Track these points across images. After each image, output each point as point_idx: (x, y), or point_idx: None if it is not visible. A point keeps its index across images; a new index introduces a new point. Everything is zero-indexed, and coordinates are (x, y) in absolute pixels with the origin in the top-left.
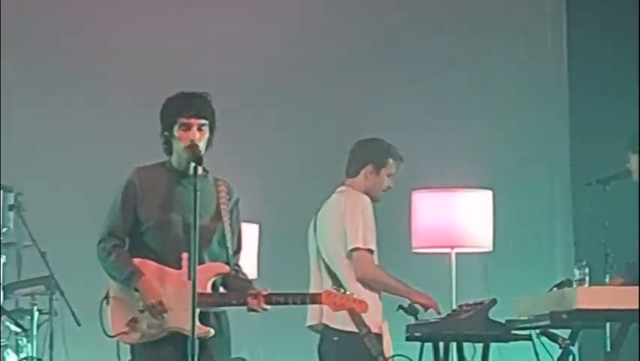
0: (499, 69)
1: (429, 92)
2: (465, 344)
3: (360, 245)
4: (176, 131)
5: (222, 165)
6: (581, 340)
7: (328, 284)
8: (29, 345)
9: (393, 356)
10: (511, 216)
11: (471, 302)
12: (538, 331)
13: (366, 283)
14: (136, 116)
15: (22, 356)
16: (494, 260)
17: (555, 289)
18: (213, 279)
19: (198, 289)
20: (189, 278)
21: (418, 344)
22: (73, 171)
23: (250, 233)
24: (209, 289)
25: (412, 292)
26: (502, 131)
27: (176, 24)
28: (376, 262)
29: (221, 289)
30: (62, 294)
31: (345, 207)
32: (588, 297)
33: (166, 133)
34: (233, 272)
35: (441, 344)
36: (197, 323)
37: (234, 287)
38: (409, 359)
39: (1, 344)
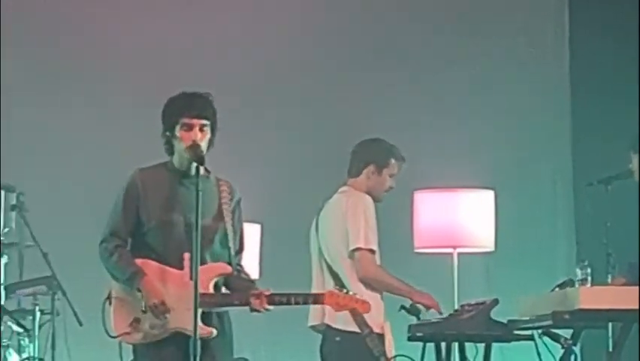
0: (501, 69)
1: (430, 92)
2: (467, 344)
3: (362, 245)
4: (177, 132)
5: (224, 166)
6: (583, 340)
7: (330, 284)
8: (31, 345)
9: (395, 356)
10: (513, 216)
11: (473, 302)
12: (540, 331)
13: (368, 284)
14: (137, 116)
15: (24, 356)
16: (496, 260)
17: (557, 289)
18: (215, 279)
19: (200, 290)
20: (191, 278)
21: (420, 344)
22: (75, 171)
23: (252, 233)
24: (211, 290)
25: (413, 292)
26: (503, 131)
27: (176, 24)
28: (378, 262)
29: (224, 290)
30: (64, 294)
31: (347, 207)
32: (590, 297)
33: (167, 133)
34: (235, 272)
35: (443, 344)
36: (200, 323)
37: (237, 287)
38: (411, 359)
39: (3, 344)
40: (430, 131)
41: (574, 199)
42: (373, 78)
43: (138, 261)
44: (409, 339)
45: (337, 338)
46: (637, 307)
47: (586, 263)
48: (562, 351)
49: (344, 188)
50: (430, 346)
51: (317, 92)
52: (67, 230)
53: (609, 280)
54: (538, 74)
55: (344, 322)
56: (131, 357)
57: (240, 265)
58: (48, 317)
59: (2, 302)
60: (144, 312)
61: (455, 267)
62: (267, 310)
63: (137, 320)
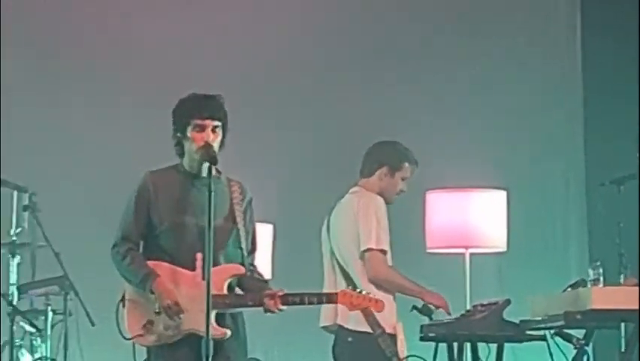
0: (515, 69)
1: (440, 92)
2: (479, 345)
3: (373, 246)
4: (189, 133)
5: (235, 166)
6: (596, 340)
7: (342, 285)
8: (43, 345)
9: (408, 356)
10: (525, 217)
11: (485, 302)
12: (552, 331)
13: (379, 284)
14: (146, 116)
15: (37, 356)
16: (508, 260)
17: (569, 289)
18: (229, 280)
19: (214, 291)
20: (203, 279)
21: (432, 344)
22: (88, 171)
23: (264, 234)
24: (224, 291)
25: (423, 291)
26: (516, 132)
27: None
28: (390, 262)
29: (238, 290)
30: (77, 294)
31: (359, 207)
32: (602, 297)
33: (179, 134)
34: (248, 273)
35: (455, 345)
36: (214, 324)
37: (250, 288)
38: (423, 359)
39: (16, 344)
40: (442, 131)
41: (586, 199)
42: (389, 78)
43: (150, 263)
44: (422, 339)
45: (349, 339)
46: None
47: (598, 263)
48: (574, 352)
49: (356, 188)
50: (443, 346)
51: (332, 91)
52: (80, 230)
53: (622, 281)
54: (552, 74)
55: (356, 322)
56: (144, 357)
57: (253, 266)
58: (60, 317)
59: (15, 302)
60: (158, 313)
61: (467, 267)
62: (280, 310)
63: (150, 322)
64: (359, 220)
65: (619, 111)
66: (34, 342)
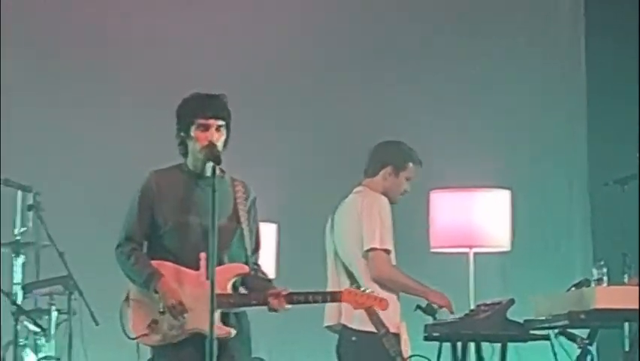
0: (517, 68)
1: (440, 92)
2: (483, 344)
3: (377, 245)
4: (193, 132)
5: (238, 166)
6: (600, 340)
7: (346, 284)
8: (48, 345)
9: (412, 356)
10: (529, 216)
11: (489, 302)
12: (556, 331)
13: (382, 284)
14: (149, 116)
15: (41, 355)
16: (512, 260)
17: (573, 288)
18: (233, 280)
19: (218, 290)
20: (207, 278)
21: (436, 344)
22: (91, 170)
23: (268, 233)
24: (229, 290)
25: (427, 291)
26: (519, 131)
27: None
28: (394, 262)
29: (242, 290)
30: (81, 294)
31: (362, 207)
32: (606, 297)
33: (182, 134)
34: (252, 272)
35: (459, 344)
36: (219, 323)
37: (254, 287)
38: (427, 359)
39: (20, 343)
40: (445, 131)
41: (590, 199)
42: (389, 78)
43: (154, 263)
44: (426, 339)
45: (353, 338)
46: None
47: (602, 263)
48: (578, 351)
49: (360, 188)
50: (447, 346)
51: (319, 91)
52: (84, 230)
53: (625, 280)
54: (553, 73)
55: (360, 322)
56: (149, 356)
57: (257, 265)
58: (64, 316)
59: (19, 302)
60: (162, 313)
61: (471, 267)
62: (285, 309)
63: (155, 322)
64: (363, 220)
65: (622, 110)
66: (38, 342)
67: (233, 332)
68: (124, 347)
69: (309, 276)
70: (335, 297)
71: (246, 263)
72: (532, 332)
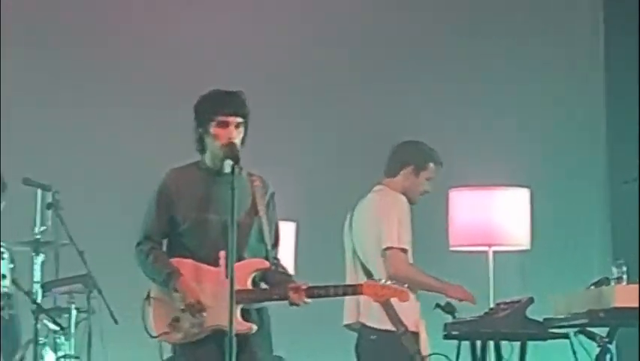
0: (539, 67)
1: (463, 91)
2: (502, 343)
3: (395, 244)
4: (212, 129)
5: (256, 165)
6: (619, 338)
7: None
8: (67, 343)
9: (431, 354)
10: (548, 214)
11: (508, 301)
12: (575, 329)
13: (400, 283)
14: (165, 115)
15: (60, 354)
16: (531, 258)
17: (593, 287)
18: (253, 275)
19: (238, 286)
20: (227, 276)
21: (455, 342)
22: (111, 169)
23: (287, 231)
24: (249, 285)
25: (445, 286)
26: (539, 130)
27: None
28: (411, 260)
29: (262, 285)
30: (100, 292)
31: (381, 206)
32: (626, 295)
33: (200, 130)
34: (272, 267)
35: (478, 343)
36: (240, 319)
37: (274, 282)
38: (447, 357)
39: (40, 342)
40: (465, 129)
41: (610, 197)
42: (415, 76)
43: (174, 260)
44: (445, 337)
45: (372, 337)
46: None
47: (621, 261)
48: (597, 350)
49: (379, 187)
50: (466, 344)
51: (342, 90)
52: (103, 228)
53: None
54: (575, 72)
55: (379, 320)
56: (170, 355)
57: (277, 259)
58: (84, 315)
59: (39, 300)
60: (184, 311)
61: (491, 265)
62: (305, 303)
63: (176, 320)
64: (381, 219)
65: None
66: (57, 340)
67: (255, 327)
68: (143, 345)
69: (327, 274)
70: (355, 290)
71: (266, 258)
72: (551, 330)
